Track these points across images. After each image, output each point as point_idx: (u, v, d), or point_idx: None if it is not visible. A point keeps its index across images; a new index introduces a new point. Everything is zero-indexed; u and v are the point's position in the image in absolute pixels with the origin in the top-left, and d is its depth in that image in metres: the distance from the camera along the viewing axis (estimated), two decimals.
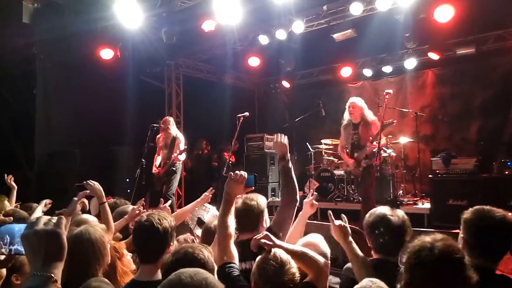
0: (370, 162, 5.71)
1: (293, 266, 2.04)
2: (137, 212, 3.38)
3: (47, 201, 4.01)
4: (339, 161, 8.06)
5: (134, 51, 7.98)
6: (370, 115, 5.88)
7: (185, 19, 7.27)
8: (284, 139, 2.88)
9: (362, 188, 5.95)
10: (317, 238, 2.70)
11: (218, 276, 2.06)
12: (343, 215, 2.60)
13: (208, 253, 1.98)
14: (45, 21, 6.88)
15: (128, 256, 2.59)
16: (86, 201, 3.39)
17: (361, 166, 5.81)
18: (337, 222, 2.52)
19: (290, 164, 2.80)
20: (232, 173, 2.44)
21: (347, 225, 2.52)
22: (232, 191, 2.42)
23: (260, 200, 2.70)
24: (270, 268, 1.99)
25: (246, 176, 2.44)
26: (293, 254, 2.16)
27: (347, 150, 6.05)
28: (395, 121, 5.84)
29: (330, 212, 2.58)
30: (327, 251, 2.60)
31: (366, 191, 5.88)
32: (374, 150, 5.58)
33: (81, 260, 2.11)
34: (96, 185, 3.24)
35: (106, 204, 3.17)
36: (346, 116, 5.99)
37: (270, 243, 2.13)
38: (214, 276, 1.98)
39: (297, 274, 2.03)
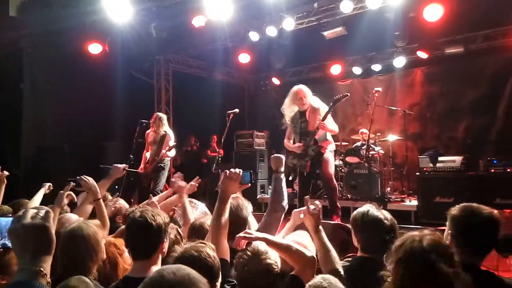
0: (318, 149, 5.38)
1: (270, 257, 2.06)
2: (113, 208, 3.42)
3: (49, 184, 3.98)
4: None
5: (123, 46, 7.90)
6: (315, 101, 5.52)
7: (175, 14, 7.22)
8: (280, 155, 3.06)
9: (324, 181, 5.56)
10: (302, 237, 2.68)
11: None
12: (317, 203, 2.48)
13: (213, 252, 1.98)
14: (33, 15, 6.77)
15: (126, 252, 2.59)
16: (73, 194, 3.35)
17: (309, 154, 5.42)
18: (312, 207, 2.43)
19: (283, 176, 2.97)
20: (227, 171, 2.44)
21: (320, 214, 2.46)
22: (227, 188, 2.42)
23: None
24: (245, 258, 2.04)
25: (241, 173, 2.44)
26: (277, 246, 2.20)
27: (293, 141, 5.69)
28: (348, 94, 5.46)
29: (307, 197, 2.63)
30: (313, 249, 2.57)
31: (328, 184, 5.50)
32: (323, 134, 5.33)
33: (74, 256, 2.13)
34: (90, 180, 3.21)
35: (101, 200, 3.17)
36: (290, 105, 5.60)
37: (250, 236, 2.17)
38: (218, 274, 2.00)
39: (275, 265, 2.05)
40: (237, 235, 2.22)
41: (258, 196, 8.79)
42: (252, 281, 2.03)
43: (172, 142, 6.58)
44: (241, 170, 2.45)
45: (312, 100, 5.50)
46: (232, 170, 2.44)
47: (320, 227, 2.42)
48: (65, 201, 3.19)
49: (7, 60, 7.15)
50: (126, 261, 2.48)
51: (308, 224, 2.46)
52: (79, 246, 2.15)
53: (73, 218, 2.98)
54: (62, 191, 3.16)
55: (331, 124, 5.46)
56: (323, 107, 5.46)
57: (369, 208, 2.50)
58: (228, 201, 2.42)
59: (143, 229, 2.17)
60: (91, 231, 2.22)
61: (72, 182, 3.28)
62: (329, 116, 5.41)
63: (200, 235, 2.87)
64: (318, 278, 1.86)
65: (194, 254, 1.90)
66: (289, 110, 5.66)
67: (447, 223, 2.25)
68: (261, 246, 2.12)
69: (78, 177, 3.23)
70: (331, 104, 5.37)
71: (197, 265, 1.81)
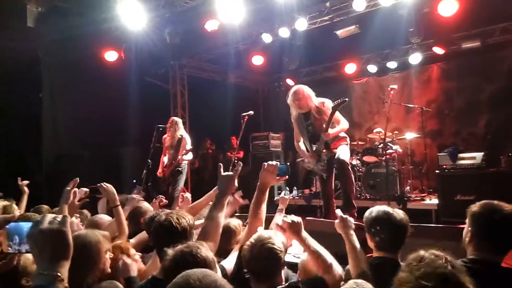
0: (331, 153, 5.07)
1: (273, 242, 2.07)
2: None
3: (86, 190, 3.84)
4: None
5: (138, 53, 7.99)
6: (317, 101, 5.12)
7: (188, 19, 7.29)
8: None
9: (342, 187, 5.29)
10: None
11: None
12: (337, 209, 2.69)
13: (205, 249, 1.94)
14: (50, 25, 6.92)
15: (137, 255, 2.59)
16: (77, 190, 3.20)
17: (322, 159, 5.12)
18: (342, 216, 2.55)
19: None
20: (265, 164, 2.56)
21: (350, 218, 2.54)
22: (265, 180, 2.53)
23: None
24: (249, 244, 2.10)
25: (278, 166, 2.55)
26: (309, 249, 2.25)
27: (306, 146, 5.33)
28: (346, 99, 4.89)
29: (338, 210, 2.66)
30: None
31: (344, 189, 5.14)
32: (332, 137, 5.00)
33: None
34: (110, 187, 3.20)
35: (120, 207, 3.11)
36: (291, 106, 5.25)
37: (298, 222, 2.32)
38: (218, 271, 2.00)
39: (278, 250, 2.06)
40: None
41: (275, 198, 8.77)
42: (257, 265, 2.06)
43: (188, 145, 6.63)
44: (278, 163, 2.56)
45: (315, 101, 5.13)
46: (270, 162, 2.56)
47: (352, 231, 2.47)
48: (71, 198, 2.96)
49: (26, 69, 7.32)
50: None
51: (339, 228, 2.50)
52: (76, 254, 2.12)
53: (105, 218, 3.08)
54: (67, 188, 2.96)
55: (341, 123, 5.10)
56: (327, 106, 5.07)
57: (379, 206, 2.51)
58: (266, 191, 2.54)
59: (168, 232, 2.21)
60: (93, 240, 2.16)
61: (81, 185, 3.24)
62: (337, 113, 5.04)
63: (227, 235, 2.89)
64: (350, 283, 1.86)
65: (186, 252, 1.86)
66: (292, 110, 5.33)
67: (467, 220, 2.22)
68: (264, 232, 2.16)
69: (98, 184, 3.23)
70: (330, 113, 4.93)
71: (190, 262, 1.80)
